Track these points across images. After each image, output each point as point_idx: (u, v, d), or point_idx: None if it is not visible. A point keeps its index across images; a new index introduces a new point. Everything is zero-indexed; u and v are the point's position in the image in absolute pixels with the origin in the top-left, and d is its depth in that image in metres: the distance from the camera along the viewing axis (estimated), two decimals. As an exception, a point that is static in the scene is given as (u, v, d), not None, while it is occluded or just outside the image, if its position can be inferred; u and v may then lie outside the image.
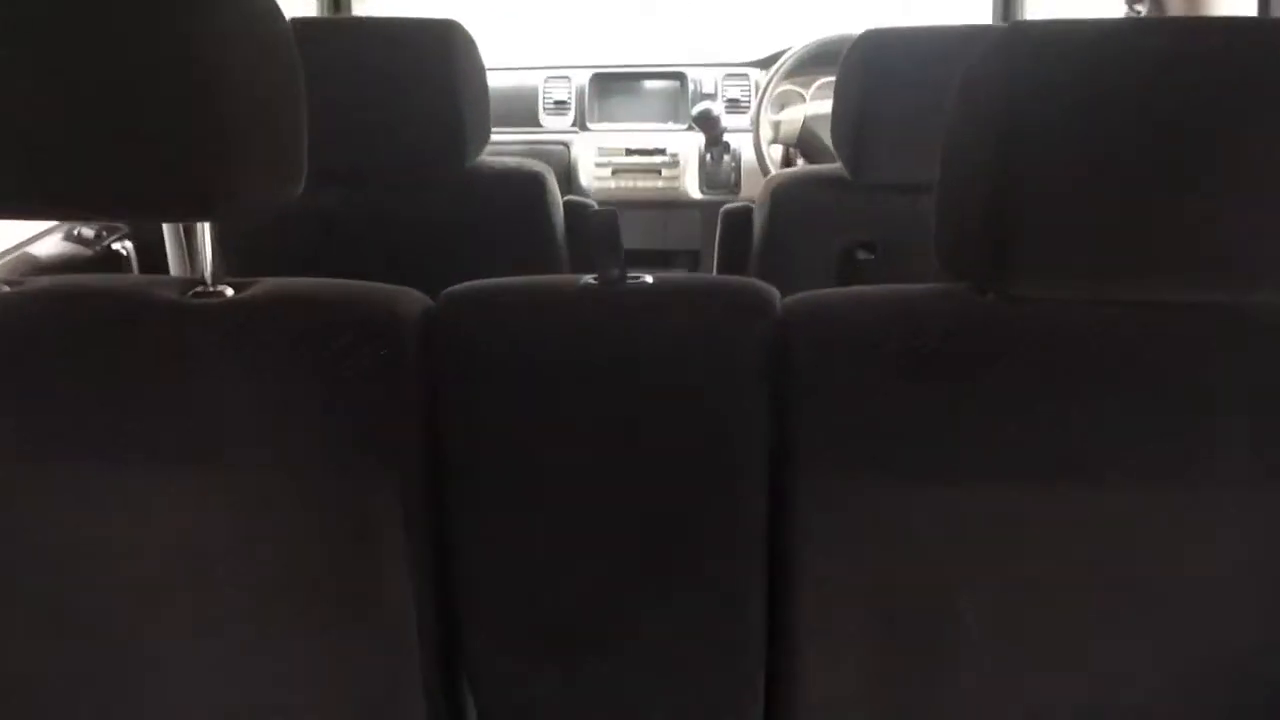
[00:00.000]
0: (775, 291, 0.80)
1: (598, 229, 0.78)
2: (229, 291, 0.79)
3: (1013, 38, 0.68)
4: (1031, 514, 0.75)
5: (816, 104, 2.23)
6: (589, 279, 0.79)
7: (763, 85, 2.28)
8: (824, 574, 0.78)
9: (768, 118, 2.25)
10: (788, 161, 2.32)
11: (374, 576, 0.79)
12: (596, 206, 1.60)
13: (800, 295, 0.79)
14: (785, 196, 1.46)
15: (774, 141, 2.27)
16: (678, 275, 0.82)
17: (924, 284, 0.80)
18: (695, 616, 0.82)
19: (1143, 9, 1.58)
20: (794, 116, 2.24)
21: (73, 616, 0.82)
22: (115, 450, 0.76)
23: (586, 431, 0.78)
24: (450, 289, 0.80)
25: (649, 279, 0.79)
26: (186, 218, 0.87)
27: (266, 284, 0.80)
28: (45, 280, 0.83)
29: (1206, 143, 0.66)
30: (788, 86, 2.29)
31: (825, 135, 2.07)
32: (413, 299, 0.80)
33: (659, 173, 2.42)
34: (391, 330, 0.77)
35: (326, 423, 0.76)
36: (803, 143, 2.24)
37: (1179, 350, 0.74)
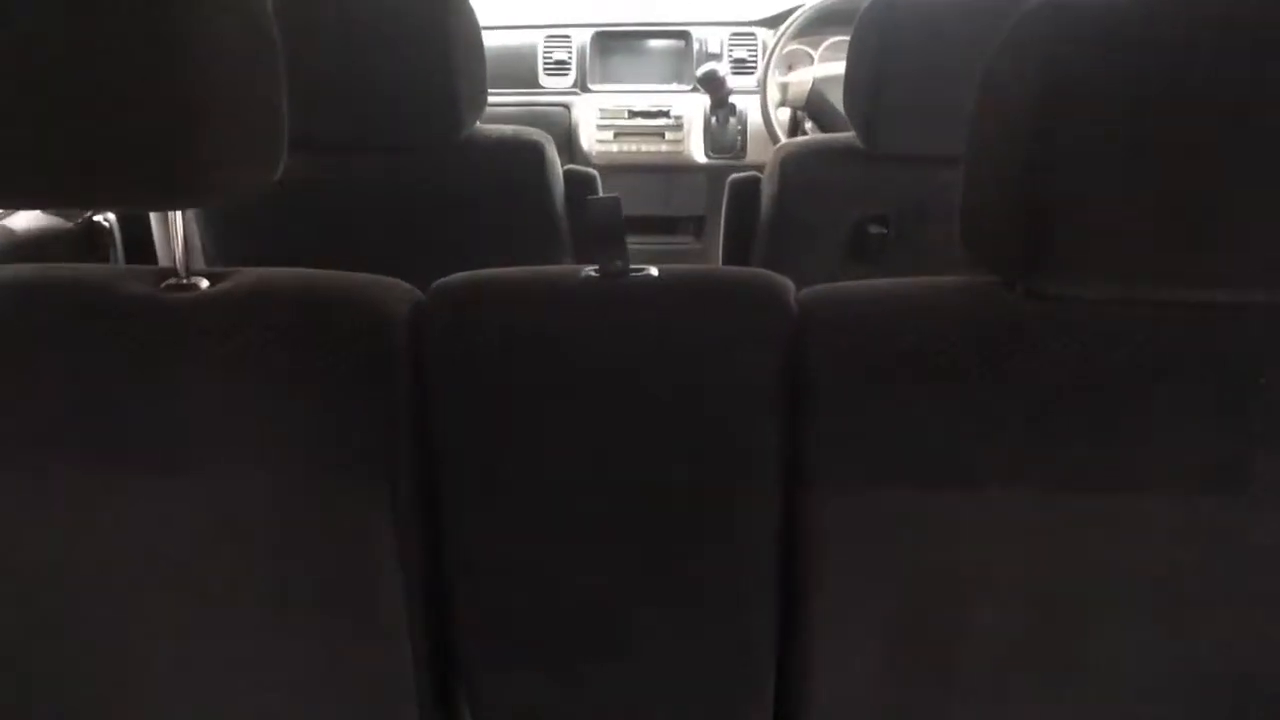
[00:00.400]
0: (788, 284, 0.75)
1: (599, 218, 0.73)
2: (204, 284, 0.74)
3: (1049, 9, 0.63)
4: (1047, 518, 0.71)
5: (825, 65, 2.17)
6: (590, 271, 0.75)
7: (770, 45, 2.20)
8: (835, 578, 0.75)
9: (775, 79, 2.18)
10: (795, 125, 2.26)
11: (366, 583, 0.76)
12: (598, 176, 1.56)
13: (815, 289, 0.75)
14: (795, 168, 1.41)
15: (781, 104, 2.21)
16: (684, 266, 0.77)
17: (946, 276, 0.75)
18: (699, 621, 0.79)
19: None
20: (802, 78, 2.17)
21: (56, 623, 0.79)
22: (92, 453, 0.73)
23: (586, 432, 0.74)
24: (441, 280, 0.76)
25: (654, 271, 0.75)
26: (157, 207, 0.83)
27: (245, 275, 0.76)
28: (9, 270, 0.79)
29: (1272, 126, 0.60)
30: (796, 46, 2.22)
31: (834, 98, 2.01)
32: (401, 291, 0.76)
33: (663, 136, 2.37)
34: (379, 327, 0.73)
35: (312, 424, 0.72)
36: (811, 105, 2.17)
37: (1217, 355, 0.69)
